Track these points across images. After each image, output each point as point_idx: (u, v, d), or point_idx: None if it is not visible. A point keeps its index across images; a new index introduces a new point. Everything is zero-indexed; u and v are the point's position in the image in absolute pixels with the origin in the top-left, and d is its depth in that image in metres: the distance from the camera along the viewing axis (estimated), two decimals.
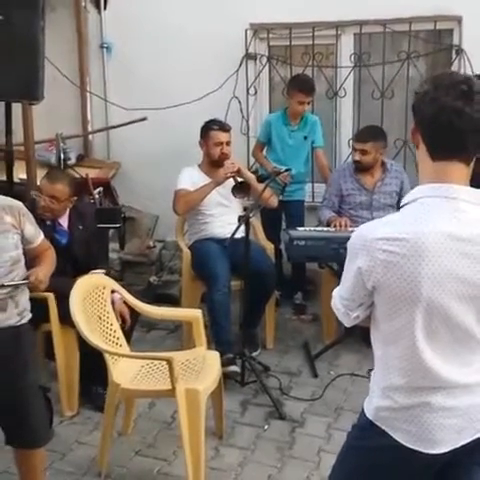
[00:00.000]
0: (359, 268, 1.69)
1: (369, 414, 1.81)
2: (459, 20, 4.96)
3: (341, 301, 1.83)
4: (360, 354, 4.44)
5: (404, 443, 1.73)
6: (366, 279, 1.68)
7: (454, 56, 5.05)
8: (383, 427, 1.76)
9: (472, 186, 1.68)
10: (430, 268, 1.60)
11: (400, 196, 4.63)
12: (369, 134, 4.50)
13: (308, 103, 4.90)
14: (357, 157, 4.52)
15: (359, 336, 4.49)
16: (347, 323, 1.86)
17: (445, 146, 1.65)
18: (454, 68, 5.02)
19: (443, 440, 1.72)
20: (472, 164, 1.68)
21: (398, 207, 4.77)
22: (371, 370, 4.23)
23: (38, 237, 2.84)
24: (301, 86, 4.84)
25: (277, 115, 5.07)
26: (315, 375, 4.21)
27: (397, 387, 1.73)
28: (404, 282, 1.62)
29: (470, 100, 1.59)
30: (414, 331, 1.65)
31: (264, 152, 5.16)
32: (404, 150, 5.25)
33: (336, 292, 1.87)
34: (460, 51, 4.99)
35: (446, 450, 1.72)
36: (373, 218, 4.43)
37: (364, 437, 1.85)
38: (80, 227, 3.91)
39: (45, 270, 2.80)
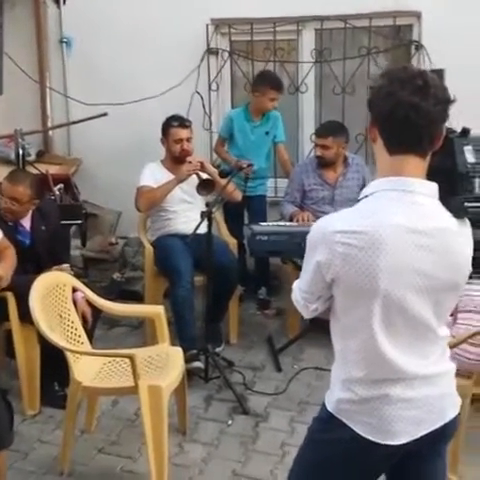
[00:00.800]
0: (318, 261, 1.69)
1: (330, 407, 1.82)
2: (418, 16, 5.03)
3: (300, 293, 1.84)
4: (324, 348, 4.43)
5: (364, 435, 1.74)
6: (325, 272, 1.69)
7: (413, 51, 5.11)
8: (343, 419, 1.77)
9: (428, 179, 1.70)
10: (387, 260, 1.62)
11: (361, 189, 4.66)
12: (329, 129, 4.52)
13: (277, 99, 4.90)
14: (319, 152, 4.55)
15: (323, 330, 4.51)
16: (306, 315, 1.87)
17: (402, 140, 1.66)
18: (414, 63, 5.07)
19: (402, 431, 1.74)
20: (428, 158, 1.70)
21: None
22: None
23: None
24: (273, 83, 4.83)
25: (239, 111, 5.05)
26: (279, 369, 4.22)
27: (357, 379, 1.75)
28: (362, 275, 1.63)
29: (426, 95, 1.60)
30: (372, 323, 1.66)
31: (225, 147, 5.15)
32: (365, 145, 5.29)
33: (296, 285, 1.88)
34: (419, 47, 5.06)
35: (405, 441, 1.74)
36: None
37: (325, 430, 1.86)
38: (43, 228, 3.86)
39: (6, 267, 2.76)
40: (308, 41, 5.33)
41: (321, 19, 5.14)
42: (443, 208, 1.70)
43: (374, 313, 1.65)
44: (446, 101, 1.64)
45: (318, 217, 4.46)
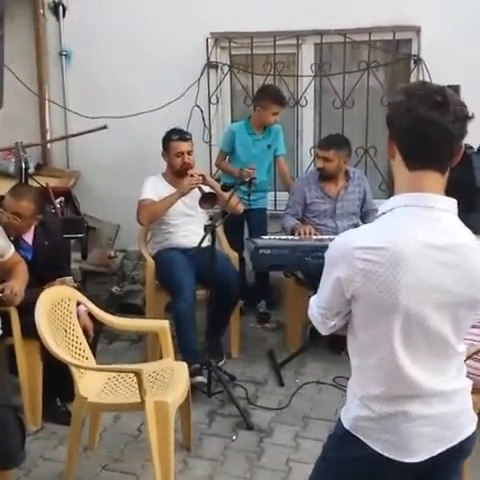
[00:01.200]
0: (338, 277, 1.68)
1: (346, 424, 1.80)
2: (417, 30, 5.05)
3: (318, 310, 1.83)
4: (325, 362, 4.46)
5: (382, 452, 1.73)
6: (345, 288, 1.68)
7: (413, 66, 5.14)
8: (361, 437, 1.76)
9: (447, 195, 1.70)
10: (408, 277, 1.61)
11: (362, 203, 4.68)
12: (332, 142, 4.53)
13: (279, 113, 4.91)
14: (320, 164, 4.55)
15: (324, 344, 4.51)
16: (324, 332, 1.85)
17: (421, 156, 1.66)
18: (413, 78, 5.11)
19: (420, 449, 1.73)
20: (447, 173, 1.70)
21: (361, 215, 4.85)
22: (337, 378, 4.29)
23: (9, 250, 2.76)
24: (276, 98, 4.83)
25: (240, 124, 5.05)
26: (281, 384, 4.20)
27: (374, 396, 1.73)
28: (383, 291, 1.62)
29: (445, 111, 1.61)
30: (392, 340, 1.65)
31: (226, 161, 5.15)
32: (365, 158, 5.31)
33: (313, 301, 1.87)
34: (418, 61, 5.07)
35: (423, 459, 1.73)
36: (337, 226, 4.54)
37: (341, 447, 1.84)
38: (46, 243, 3.83)
39: (19, 283, 2.73)
40: (308, 55, 5.35)
41: (321, 33, 5.15)
42: (462, 224, 1.70)
43: (394, 329, 1.65)
44: (465, 117, 1.65)
45: (319, 230, 4.49)
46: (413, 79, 5.09)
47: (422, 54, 5.05)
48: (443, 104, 1.61)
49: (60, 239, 3.85)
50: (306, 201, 4.62)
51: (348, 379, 4.11)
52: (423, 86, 1.67)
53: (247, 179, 4.33)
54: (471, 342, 3.13)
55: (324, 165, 4.52)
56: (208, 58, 5.39)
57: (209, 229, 3.82)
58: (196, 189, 4.32)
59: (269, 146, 5.03)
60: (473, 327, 3.24)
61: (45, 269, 3.75)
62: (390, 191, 5.21)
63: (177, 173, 4.46)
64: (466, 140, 1.71)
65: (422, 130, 1.62)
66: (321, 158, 4.53)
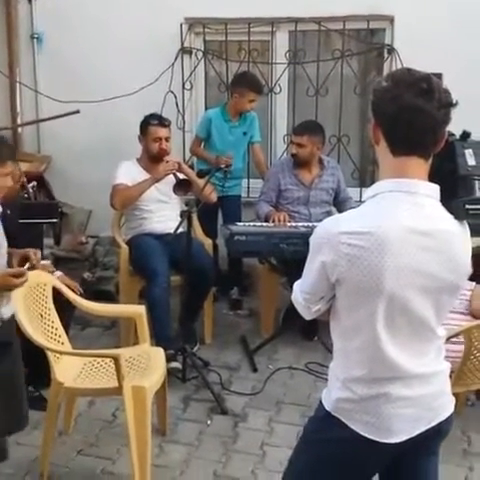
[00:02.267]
0: (323, 262, 1.70)
1: (328, 406, 1.83)
2: (391, 20, 5.09)
3: (302, 295, 1.84)
4: (298, 348, 4.50)
5: (363, 433, 1.76)
6: (330, 273, 1.70)
7: (386, 55, 5.18)
8: (342, 418, 1.79)
9: (430, 181, 1.73)
10: (392, 261, 1.64)
11: (336, 192, 4.71)
12: (306, 128, 4.55)
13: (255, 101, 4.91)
14: (294, 150, 4.57)
15: (297, 330, 4.56)
16: (308, 316, 1.87)
17: (406, 142, 1.68)
18: (386, 67, 5.15)
19: (400, 429, 1.76)
20: (430, 160, 1.72)
21: (334, 203, 4.89)
22: (309, 363, 4.33)
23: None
24: (254, 85, 4.84)
25: (216, 111, 5.04)
26: (254, 369, 4.23)
27: (357, 378, 1.76)
28: (367, 275, 1.65)
29: (430, 98, 1.63)
30: (375, 323, 1.68)
31: (202, 148, 5.14)
32: (338, 146, 5.35)
33: (297, 286, 1.88)
34: (392, 50, 5.11)
35: (403, 439, 1.77)
36: (310, 213, 4.57)
37: (322, 429, 1.87)
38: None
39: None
40: (282, 42, 5.35)
41: (295, 21, 5.15)
42: (444, 210, 1.73)
43: (378, 313, 1.67)
44: (449, 104, 1.67)
45: (293, 217, 4.52)
46: (386, 68, 5.14)
47: (395, 44, 5.10)
48: (429, 91, 1.63)
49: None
50: (280, 187, 4.64)
51: (320, 365, 4.19)
52: (409, 73, 1.69)
53: (223, 166, 4.33)
54: (445, 326, 3.18)
55: (298, 151, 4.54)
56: (182, 44, 5.36)
57: (185, 215, 3.81)
58: (171, 176, 4.31)
59: (245, 133, 5.04)
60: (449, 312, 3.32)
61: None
62: (362, 179, 5.27)
63: (153, 158, 4.45)
64: (449, 127, 1.74)
65: (408, 117, 1.64)
66: (295, 144, 4.55)
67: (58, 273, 3.46)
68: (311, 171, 4.65)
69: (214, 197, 4.57)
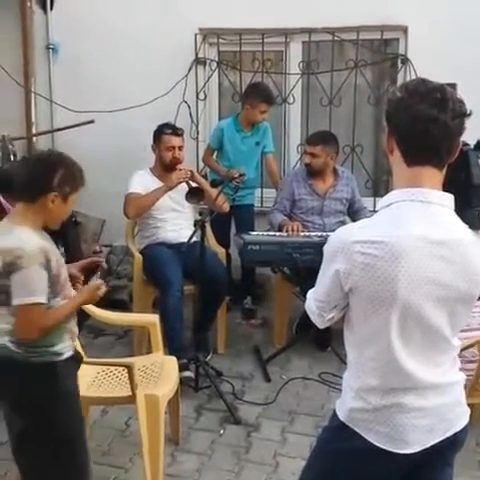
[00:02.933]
0: (336, 270, 1.70)
1: (342, 416, 1.82)
2: (405, 30, 5.10)
3: (316, 303, 1.84)
4: (311, 358, 4.49)
5: (377, 444, 1.75)
6: (344, 281, 1.70)
7: (400, 65, 5.18)
8: (355, 428, 1.78)
9: (444, 191, 1.73)
10: (406, 270, 1.63)
11: (350, 203, 4.71)
12: (319, 138, 4.56)
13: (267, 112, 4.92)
14: (307, 160, 4.58)
15: (310, 340, 4.54)
16: (321, 325, 1.87)
17: (420, 152, 1.69)
18: (400, 77, 5.15)
19: (414, 440, 1.75)
20: (444, 169, 1.72)
21: (349, 213, 4.89)
22: (322, 373, 4.32)
23: None
24: (265, 96, 4.85)
25: (229, 122, 5.06)
26: (268, 379, 4.22)
27: (371, 388, 1.75)
28: (381, 284, 1.64)
29: (444, 108, 1.63)
30: (389, 332, 1.68)
31: (214, 157, 5.16)
32: (351, 156, 5.35)
33: (310, 294, 1.88)
34: (406, 60, 5.12)
35: (417, 450, 1.75)
36: (324, 223, 4.57)
37: (336, 439, 1.86)
38: None
39: None
40: (296, 53, 5.37)
41: (309, 31, 5.17)
42: (459, 219, 1.72)
43: (392, 322, 1.67)
44: (463, 114, 1.67)
45: (306, 227, 4.52)
46: (400, 79, 5.14)
47: (409, 54, 5.10)
48: (443, 101, 1.64)
49: None
50: (294, 197, 4.64)
51: (334, 375, 4.17)
52: (424, 83, 1.69)
53: (236, 176, 4.34)
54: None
55: (311, 161, 4.55)
56: (196, 54, 5.39)
57: (199, 224, 3.82)
58: (184, 184, 4.33)
59: (257, 143, 5.06)
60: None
61: None
62: (375, 188, 5.25)
63: (166, 167, 4.47)
64: (463, 137, 1.74)
65: (422, 127, 1.64)
66: (309, 154, 4.56)
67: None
68: (325, 181, 4.65)
69: (227, 207, 4.58)
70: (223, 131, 4.99)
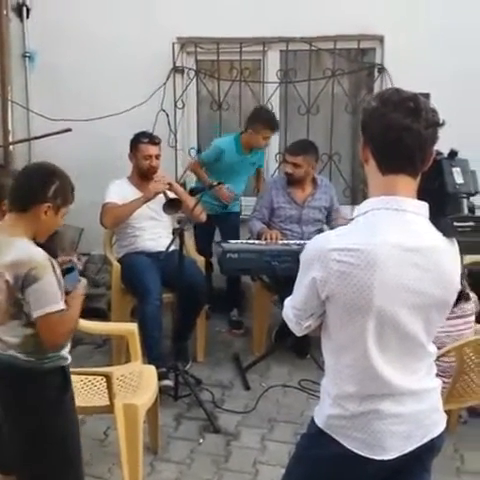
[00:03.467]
0: (313, 278, 1.71)
1: (319, 422, 1.83)
2: (381, 39, 5.14)
3: (293, 311, 1.85)
4: (290, 365, 4.50)
5: (354, 450, 1.76)
6: (320, 289, 1.71)
7: (376, 74, 5.23)
8: (333, 435, 1.79)
9: (418, 199, 1.75)
10: (381, 278, 1.65)
11: (329, 211, 4.74)
12: (301, 148, 4.57)
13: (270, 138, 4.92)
14: (289, 169, 4.59)
15: (289, 348, 4.55)
16: (298, 333, 1.88)
17: (394, 161, 1.71)
18: (376, 86, 5.20)
19: (392, 446, 1.77)
20: (418, 178, 1.74)
21: (327, 222, 4.91)
22: (302, 381, 4.33)
23: None
24: (269, 122, 4.79)
25: (230, 142, 4.95)
26: (247, 387, 4.22)
27: (348, 395, 1.77)
28: (357, 292, 1.66)
29: (418, 117, 1.65)
30: (366, 339, 1.69)
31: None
32: (329, 164, 5.38)
33: (288, 302, 1.89)
34: (382, 70, 5.16)
35: (394, 456, 1.77)
36: (302, 231, 4.59)
37: (314, 446, 1.87)
38: None
39: None
40: (273, 62, 5.39)
41: (286, 40, 5.20)
42: (433, 227, 1.74)
43: (368, 329, 1.68)
44: (436, 123, 1.70)
45: (285, 235, 4.54)
46: (377, 87, 5.18)
47: (385, 63, 5.15)
48: (416, 110, 1.66)
49: None
50: (273, 205, 4.65)
51: (313, 382, 4.18)
52: (397, 93, 1.71)
53: (214, 183, 4.35)
54: (447, 334, 3.20)
55: (294, 171, 4.56)
56: (174, 63, 5.39)
57: (177, 233, 3.83)
58: (162, 194, 4.33)
59: (254, 164, 5.10)
60: (448, 319, 3.34)
61: None
62: (353, 197, 5.28)
63: (143, 176, 4.47)
64: (436, 146, 1.76)
65: (396, 135, 1.66)
66: (290, 164, 4.57)
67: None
68: (304, 190, 4.67)
69: (204, 217, 4.57)
70: (224, 153, 4.89)
